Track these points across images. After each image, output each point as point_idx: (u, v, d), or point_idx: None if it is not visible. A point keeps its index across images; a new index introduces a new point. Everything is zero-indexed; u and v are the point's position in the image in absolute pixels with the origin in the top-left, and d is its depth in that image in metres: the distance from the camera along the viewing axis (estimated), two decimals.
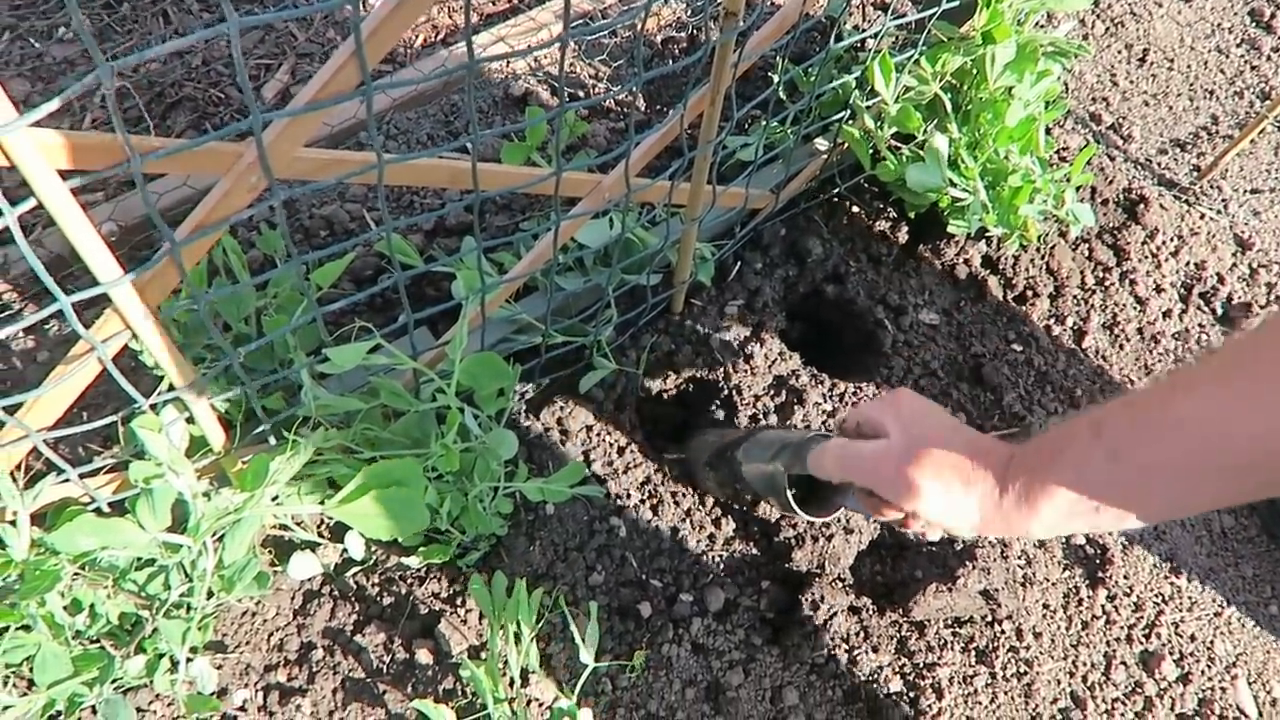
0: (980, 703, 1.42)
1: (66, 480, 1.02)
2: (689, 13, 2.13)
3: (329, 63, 0.82)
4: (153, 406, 1.04)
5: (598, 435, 1.53)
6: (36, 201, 0.73)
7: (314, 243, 1.71)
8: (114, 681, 1.14)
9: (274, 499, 1.18)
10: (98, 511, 1.09)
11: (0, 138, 0.65)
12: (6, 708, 1.07)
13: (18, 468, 1.00)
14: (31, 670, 1.14)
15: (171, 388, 1.02)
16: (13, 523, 0.98)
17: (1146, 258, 1.90)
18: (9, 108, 0.65)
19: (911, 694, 1.41)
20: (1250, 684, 1.52)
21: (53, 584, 0.94)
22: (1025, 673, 1.45)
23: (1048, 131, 2.02)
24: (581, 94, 2.01)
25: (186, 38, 0.71)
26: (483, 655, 1.32)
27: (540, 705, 1.31)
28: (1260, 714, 1.51)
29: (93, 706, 1.19)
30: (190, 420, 1.11)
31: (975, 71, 1.58)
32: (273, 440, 1.22)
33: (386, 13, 0.79)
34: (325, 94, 0.81)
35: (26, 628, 1.09)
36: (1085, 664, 1.49)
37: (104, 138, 0.74)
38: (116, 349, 0.90)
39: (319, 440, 1.07)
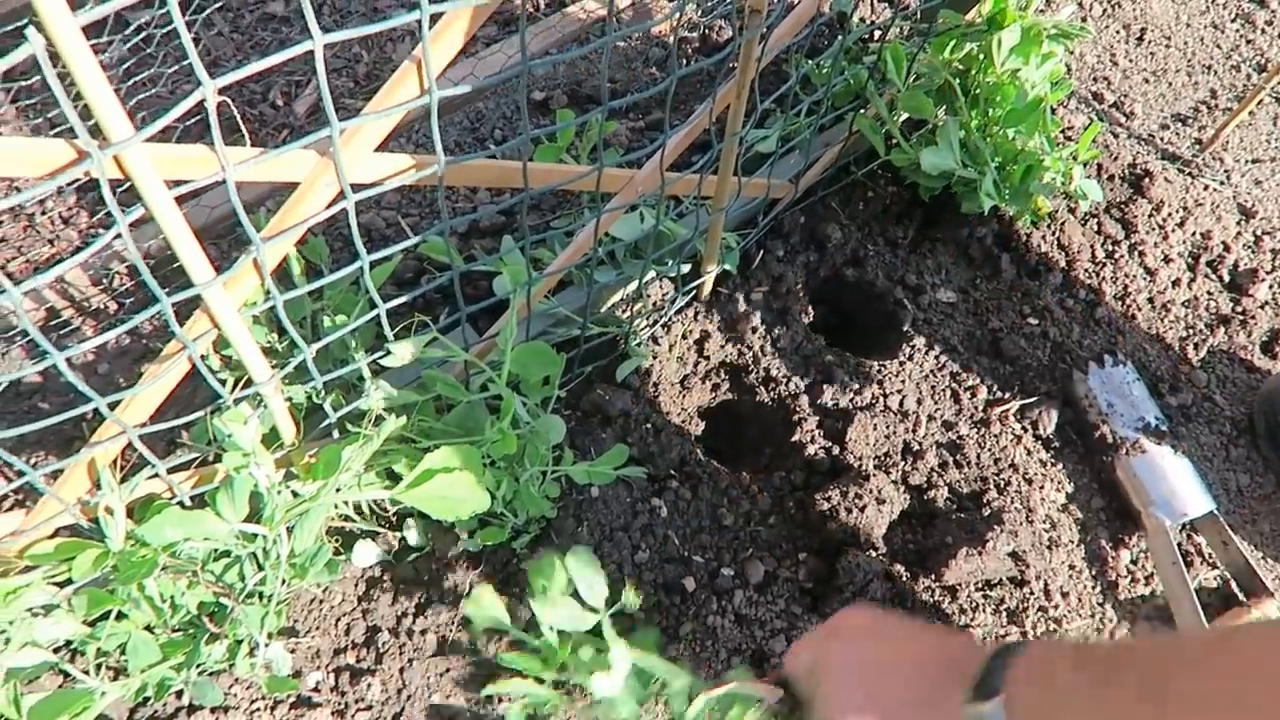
0: None
1: (155, 476, 1.09)
2: (700, 13, 2.20)
3: (395, 75, 0.89)
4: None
5: (635, 420, 1.59)
6: (144, 210, 0.81)
7: (353, 250, 1.78)
8: (198, 666, 1.21)
9: (336, 490, 1.25)
10: (180, 505, 1.16)
11: (119, 152, 0.72)
12: (103, 694, 1.14)
13: (113, 463, 1.07)
14: (119, 659, 1.21)
15: (245, 385, 1.09)
16: (110, 513, 1.05)
17: (1154, 230, 1.97)
18: (127, 124, 0.72)
19: None
20: None
21: (151, 569, 1.01)
22: (1055, 630, 1.52)
23: (1053, 111, 2.09)
24: (599, 96, 2.07)
25: (274, 55, 0.78)
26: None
27: None
28: None
29: (178, 691, 1.26)
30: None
31: (982, 57, 1.65)
32: (336, 434, 1.29)
33: (447, 24, 0.86)
34: (395, 100, 0.88)
35: (120, 616, 1.16)
36: (1112, 621, 1.55)
37: (202, 149, 0.81)
38: (204, 348, 0.98)
39: (388, 430, 1.14)
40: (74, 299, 1.67)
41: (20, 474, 1.04)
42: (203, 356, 0.99)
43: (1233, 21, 2.43)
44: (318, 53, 0.78)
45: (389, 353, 1.17)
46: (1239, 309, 1.90)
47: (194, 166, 0.80)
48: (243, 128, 1.87)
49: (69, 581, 1.11)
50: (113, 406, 0.97)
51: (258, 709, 1.28)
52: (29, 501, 1.43)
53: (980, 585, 1.53)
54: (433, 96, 0.89)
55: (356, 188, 0.94)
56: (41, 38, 0.64)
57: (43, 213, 1.79)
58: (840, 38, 1.52)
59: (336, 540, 1.39)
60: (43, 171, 0.71)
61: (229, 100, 1.90)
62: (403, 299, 1.15)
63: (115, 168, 0.75)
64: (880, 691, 0.80)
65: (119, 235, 0.78)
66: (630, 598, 1.29)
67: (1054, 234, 1.91)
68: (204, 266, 0.87)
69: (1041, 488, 1.62)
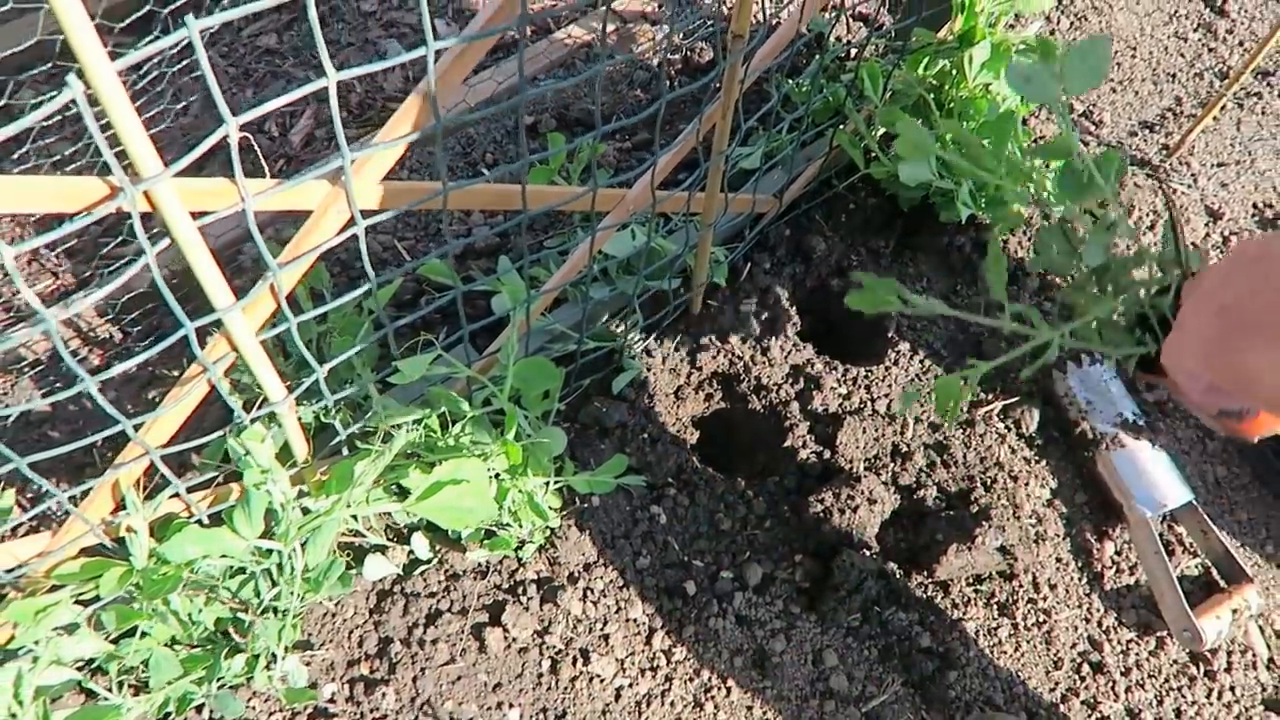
0: (1005, 651, 1.53)
1: (175, 495, 1.13)
2: (682, 36, 2.26)
3: (401, 108, 0.95)
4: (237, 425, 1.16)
5: (632, 431, 1.64)
6: (169, 240, 0.86)
7: (350, 274, 1.83)
8: (218, 680, 1.25)
9: (348, 505, 1.30)
10: (199, 524, 1.20)
11: (149, 188, 0.77)
12: (129, 709, 1.18)
13: (135, 484, 1.11)
14: (141, 675, 1.25)
15: (260, 405, 1.14)
16: (134, 532, 1.09)
17: (1125, 233, 2.03)
18: (157, 161, 0.77)
19: (941, 649, 1.52)
20: (1254, 619, 1.63)
21: (175, 584, 1.05)
22: (1044, 621, 1.57)
23: (1024, 123, 2.16)
24: (586, 119, 2.13)
25: (294, 91, 0.84)
26: (547, 635, 1.43)
27: (601, 681, 1.42)
28: (1269, 649, 1.62)
29: (198, 706, 1.30)
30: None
31: (955, 72, 1.72)
32: (346, 451, 1.34)
33: (452, 60, 0.92)
34: (403, 130, 0.93)
35: (143, 635, 1.20)
36: (1099, 610, 1.60)
37: (223, 182, 0.86)
38: (224, 370, 1.02)
39: (399, 442, 1.18)
40: (81, 330, 1.71)
41: (37, 500, 1.08)
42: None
43: (1195, 31, 2.52)
44: (331, 89, 0.84)
45: (396, 370, 1.21)
46: None
47: (216, 198, 0.85)
48: (261, 160, 1.92)
49: (93, 600, 1.15)
50: (135, 430, 1.01)
51: None
52: (42, 527, 1.47)
53: (971, 580, 1.59)
54: (438, 127, 0.94)
55: (366, 214, 0.99)
56: (80, 84, 0.69)
57: (48, 248, 1.83)
58: (818, 57, 1.59)
59: (348, 554, 1.43)
60: (80, 206, 0.76)
61: (248, 135, 1.95)
62: (407, 319, 1.20)
63: (144, 202, 0.80)
64: (1235, 316, 0.64)
65: (147, 266, 0.83)
66: None
67: (1029, 240, 1.98)
68: (224, 292, 0.92)
69: (1026, 484, 1.68)
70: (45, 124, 1.77)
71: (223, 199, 0.86)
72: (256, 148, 2.00)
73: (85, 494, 1.09)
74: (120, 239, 1.80)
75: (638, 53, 2.26)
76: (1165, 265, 0.82)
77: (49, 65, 1.46)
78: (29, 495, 1.52)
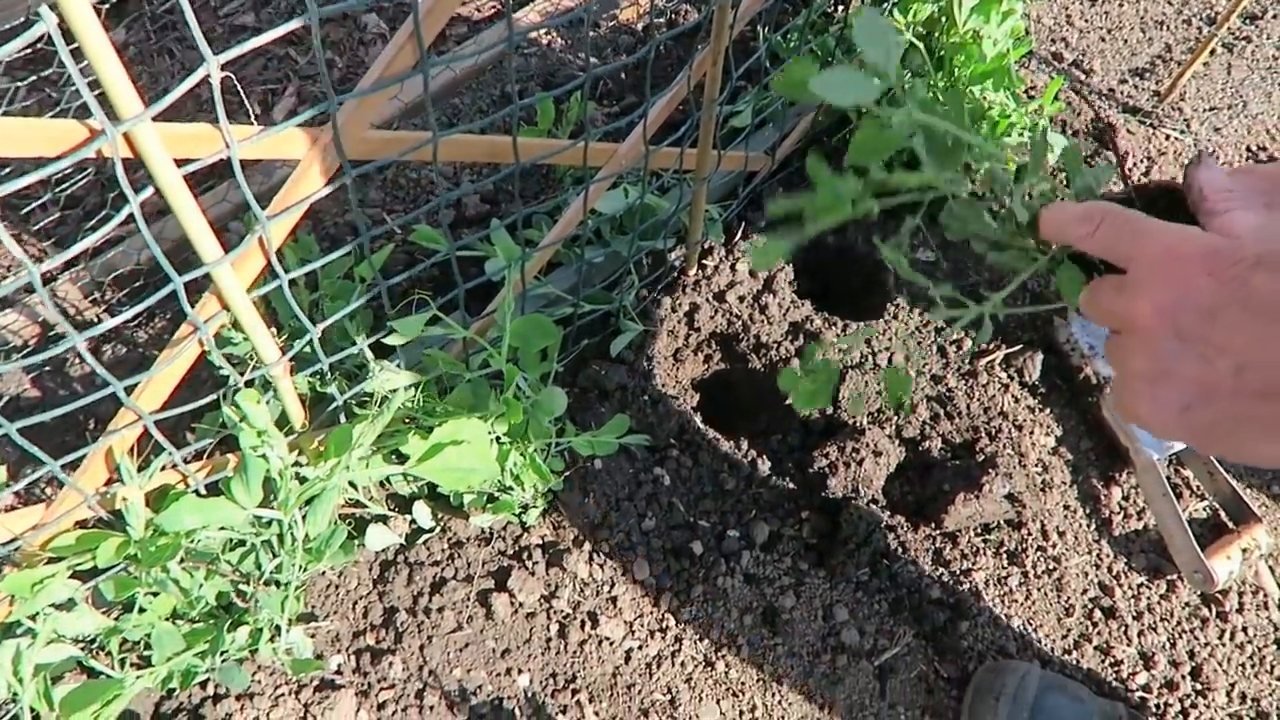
0: (1016, 600, 1.52)
1: (172, 466, 1.11)
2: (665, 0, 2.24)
3: (388, 46, 0.92)
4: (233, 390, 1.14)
5: (632, 393, 1.62)
6: (153, 189, 0.83)
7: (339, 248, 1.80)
8: (222, 653, 1.23)
9: (347, 469, 1.27)
10: (196, 494, 1.18)
11: (130, 129, 0.74)
12: (132, 684, 1.15)
13: (129, 452, 1.08)
14: (143, 652, 1.23)
15: (253, 368, 1.11)
16: (130, 502, 1.06)
17: (1121, 180, 2.02)
18: (137, 101, 0.74)
19: (952, 599, 1.51)
20: (1264, 558, 1.62)
21: (175, 551, 1.03)
22: (1055, 569, 1.56)
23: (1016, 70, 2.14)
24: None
25: (273, 30, 0.82)
26: (554, 599, 1.41)
27: (611, 643, 1.41)
28: None
29: (201, 683, 1.28)
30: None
31: (944, 19, 1.69)
32: (343, 418, 1.31)
33: None
34: (389, 73, 0.91)
35: (141, 610, 1.18)
36: (1109, 555, 1.59)
37: (208, 127, 0.83)
38: (214, 329, 1.00)
39: (397, 402, 1.16)
40: (66, 313, 1.68)
41: (25, 473, 1.05)
42: (214, 336, 1.01)
43: None
44: (314, 24, 0.81)
45: (392, 330, 1.19)
46: None
47: (200, 143, 0.83)
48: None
49: (91, 573, 1.13)
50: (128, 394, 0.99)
51: (282, 694, 1.30)
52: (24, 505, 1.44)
53: (980, 530, 1.57)
54: (424, 67, 0.92)
55: (355, 164, 0.96)
56: (54, 16, 0.66)
57: (28, 230, 1.80)
58: (804, 11, 1.57)
59: (350, 525, 1.41)
60: (58, 150, 0.74)
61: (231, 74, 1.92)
62: (401, 276, 1.17)
63: (126, 147, 0.77)
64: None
65: (131, 216, 0.80)
66: None
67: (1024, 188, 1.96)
68: (213, 245, 0.90)
69: (1031, 433, 1.67)
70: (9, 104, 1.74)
71: (207, 144, 0.83)
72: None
73: (77, 464, 1.06)
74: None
75: (622, 17, 2.23)
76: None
77: (21, 20, 1.43)
78: (20, 471, 1.49)
